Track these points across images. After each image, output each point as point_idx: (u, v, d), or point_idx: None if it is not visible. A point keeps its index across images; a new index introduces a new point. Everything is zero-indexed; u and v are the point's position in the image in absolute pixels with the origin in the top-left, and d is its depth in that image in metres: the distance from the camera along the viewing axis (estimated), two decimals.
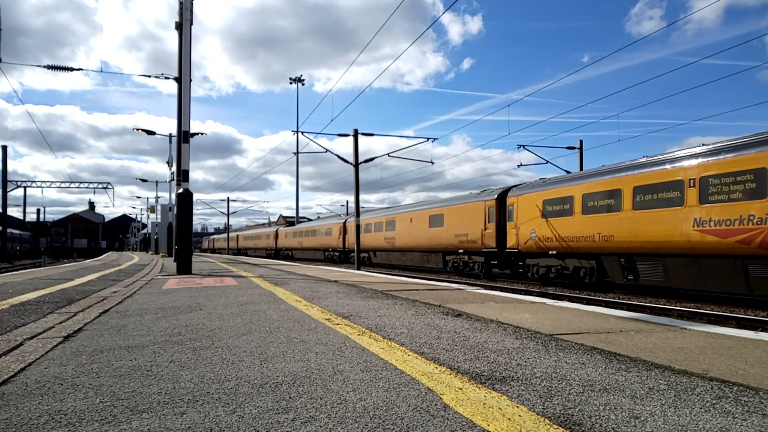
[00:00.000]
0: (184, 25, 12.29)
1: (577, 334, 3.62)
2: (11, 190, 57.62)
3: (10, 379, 2.47)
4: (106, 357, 2.96)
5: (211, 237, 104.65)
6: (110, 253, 60.38)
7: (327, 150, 29.65)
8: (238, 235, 74.90)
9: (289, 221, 79.47)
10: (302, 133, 27.76)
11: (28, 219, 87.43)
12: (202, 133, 31.98)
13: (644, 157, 14.51)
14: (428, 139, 26.93)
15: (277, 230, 55.92)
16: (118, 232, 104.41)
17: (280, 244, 53.38)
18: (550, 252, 17.55)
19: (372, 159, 28.47)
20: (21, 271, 14.34)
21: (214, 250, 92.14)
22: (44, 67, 19.01)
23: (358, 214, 27.86)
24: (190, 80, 12.26)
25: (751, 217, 11.09)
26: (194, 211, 13.07)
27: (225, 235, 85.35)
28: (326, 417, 1.91)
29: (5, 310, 4.99)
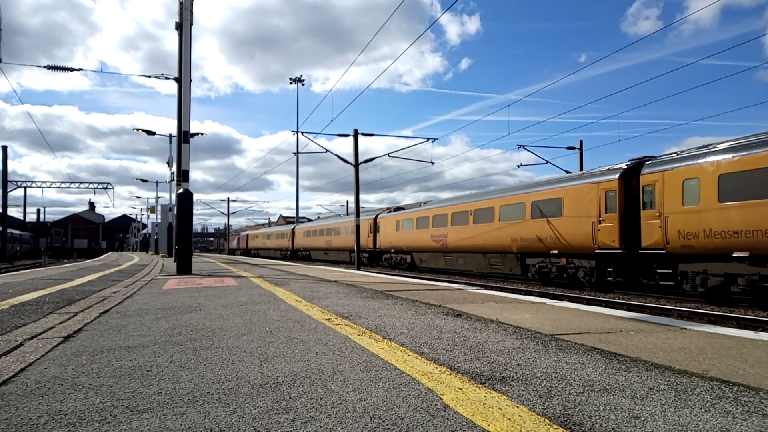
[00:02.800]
0: (184, 25, 12.29)
1: (577, 334, 3.61)
2: (11, 190, 57.69)
3: (10, 380, 2.47)
4: (106, 357, 2.96)
5: (243, 233, 73.96)
6: (110, 253, 60.37)
7: (327, 150, 29.68)
8: (293, 230, 52.44)
9: (288, 221, 78.83)
10: (302, 133, 27.79)
11: (28, 219, 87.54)
12: (202, 134, 32.00)
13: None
14: (428, 139, 26.95)
15: (377, 217, 32.74)
16: (118, 233, 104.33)
17: (382, 243, 31.95)
18: None
19: (372, 159, 28.51)
20: (21, 272, 14.35)
21: (248, 251, 67.68)
22: (44, 67, 19.00)
23: (357, 214, 27.85)
24: (190, 80, 12.26)
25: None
26: (194, 211, 13.07)
27: (278, 228, 60.70)
28: (326, 417, 1.91)
29: (5, 311, 4.99)
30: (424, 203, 28.26)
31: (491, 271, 21.40)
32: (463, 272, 24.57)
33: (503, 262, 20.39)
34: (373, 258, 33.61)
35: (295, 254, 50.76)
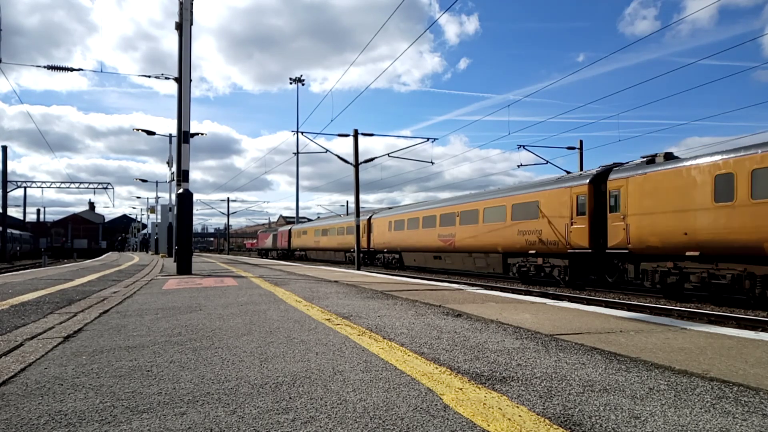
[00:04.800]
0: (184, 25, 12.28)
1: (578, 334, 3.61)
2: (11, 190, 57.76)
3: (10, 380, 2.47)
4: (106, 357, 2.96)
5: (283, 229, 55.13)
6: (110, 253, 60.32)
7: (327, 150, 29.67)
8: (369, 221, 32.88)
9: (289, 221, 78.71)
10: (302, 133, 27.79)
11: (28, 219, 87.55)
12: (201, 134, 31.94)
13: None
14: (428, 139, 26.90)
15: (577, 184, 16.15)
16: (118, 233, 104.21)
17: (631, 236, 13.83)
18: None
19: (372, 159, 28.49)
20: (21, 272, 14.35)
21: (289, 253, 50.63)
22: (44, 67, 18.99)
23: (357, 214, 27.85)
24: (190, 80, 12.26)
25: None
26: (194, 211, 13.07)
27: (342, 220, 39.23)
28: (326, 417, 1.91)
29: (5, 311, 4.99)
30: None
31: None
32: None
33: None
34: (588, 267, 16.48)
35: (373, 257, 32.42)
